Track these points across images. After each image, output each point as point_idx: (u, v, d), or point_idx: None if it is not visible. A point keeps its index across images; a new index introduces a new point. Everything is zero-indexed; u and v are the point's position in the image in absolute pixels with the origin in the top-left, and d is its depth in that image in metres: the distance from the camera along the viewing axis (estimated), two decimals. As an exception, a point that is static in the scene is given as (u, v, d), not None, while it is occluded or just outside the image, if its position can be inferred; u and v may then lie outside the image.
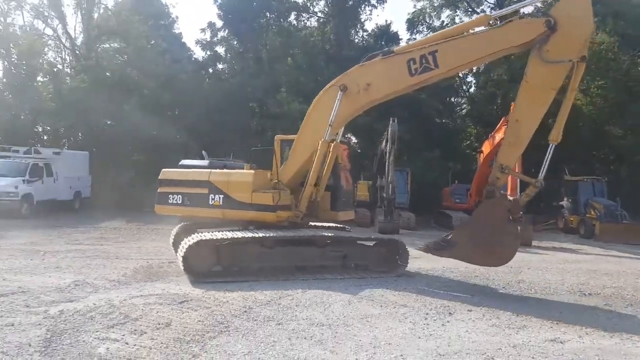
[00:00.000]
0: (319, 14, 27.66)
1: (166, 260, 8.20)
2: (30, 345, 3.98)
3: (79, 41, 24.40)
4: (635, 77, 21.01)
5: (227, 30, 25.58)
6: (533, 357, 4.31)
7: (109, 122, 21.04)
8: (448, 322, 5.26)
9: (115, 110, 19.39)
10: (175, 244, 8.02)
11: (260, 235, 6.97)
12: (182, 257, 6.65)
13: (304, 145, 7.69)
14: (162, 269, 7.52)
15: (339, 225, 8.43)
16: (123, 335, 4.34)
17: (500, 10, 7.28)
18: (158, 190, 8.25)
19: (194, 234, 7.15)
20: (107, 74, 20.80)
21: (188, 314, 5.09)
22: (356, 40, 26.28)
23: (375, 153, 17.61)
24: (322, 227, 8.24)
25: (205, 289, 6.16)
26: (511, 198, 7.01)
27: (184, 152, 16.79)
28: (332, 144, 7.62)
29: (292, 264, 7.39)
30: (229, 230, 7.25)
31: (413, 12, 27.33)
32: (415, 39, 24.84)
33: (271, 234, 7.02)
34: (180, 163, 8.79)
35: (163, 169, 8.49)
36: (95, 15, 24.18)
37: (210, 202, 7.60)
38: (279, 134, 8.79)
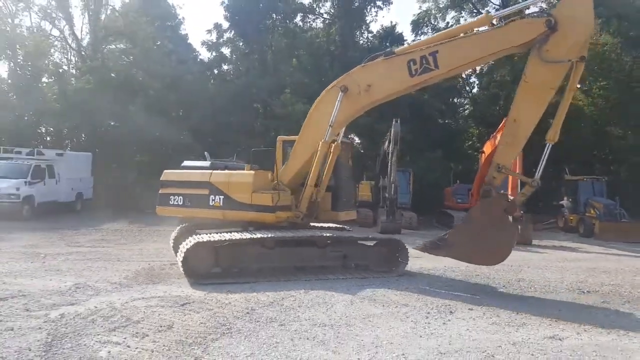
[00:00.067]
0: (325, 16, 27.82)
1: (168, 262, 8.23)
2: (30, 350, 3.97)
3: (85, 42, 24.59)
4: (637, 77, 21.04)
5: (233, 32, 25.72)
6: (532, 354, 4.34)
7: (113, 123, 21.12)
8: (449, 320, 5.29)
9: (119, 111, 19.46)
10: (176, 246, 8.04)
11: (259, 236, 6.98)
12: (181, 259, 6.67)
13: (304, 145, 7.72)
14: (164, 271, 7.54)
15: (338, 226, 8.44)
16: (125, 338, 4.35)
17: (502, 10, 7.28)
18: (159, 192, 8.27)
19: (193, 235, 7.16)
20: (113, 74, 20.89)
21: (190, 316, 5.11)
22: (361, 42, 26.41)
23: (378, 153, 17.63)
24: (322, 227, 8.24)
25: (207, 290, 6.18)
26: (511, 197, 7.01)
27: (188, 153, 16.81)
28: (333, 145, 7.65)
29: (291, 264, 7.40)
30: (227, 232, 7.26)
31: (418, 14, 27.41)
32: (420, 40, 24.88)
33: (269, 235, 7.02)
34: (182, 164, 8.80)
35: (165, 170, 8.52)
36: (103, 17, 24.35)
37: (211, 203, 7.62)
38: (283, 135, 8.80)
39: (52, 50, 23.59)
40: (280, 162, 8.24)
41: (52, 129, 22.54)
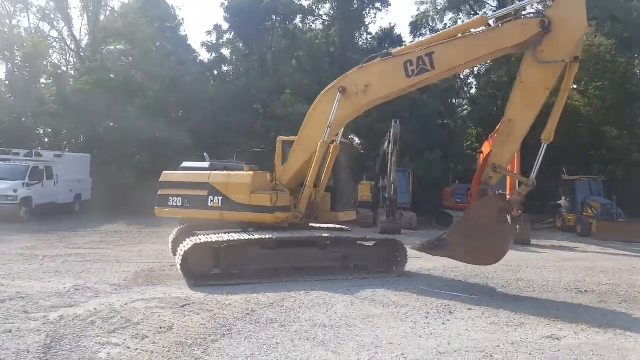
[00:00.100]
0: (324, 17, 27.89)
1: (167, 263, 8.22)
2: (29, 352, 3.97)
3: (84, 43, 24.53)
4: (632, 78, 21.20)
5: (232, 33, 25.72)
6: (530, 354, 4.36)
7: (112, 124, 21.07)
8: (448, 320, 5.32)
9: (118, 112, 19.42)
10: (174, 247, 8.03)
11: (257, 237, 6.97)
12: (180, 261, 6.67)
13: (303, 146, 7.74)
14: (164, 272, 7.54)
15: (337, 226, 8.44)
16: (124, 339, 4.36)
17: (498, 12, 7.33)
18: (158, 193, 8.27)
19: (191, 237, 7.15)
20: (112, 75, 20.86)
21: (190, 317, 5.11)
22: (360, 43, 26.47)
23: (378, 154, 17.68)
24: (320, 228, 8.23)
25: (207, 292, 6.18)
26: (509, 197, 7.03)
27: (187, 154, 16.82)
28: (332, 145, 7.66)
29: (290, 265, 7.39)
30: (224, 233, 7.24)
31: (416, 15, 27.51)
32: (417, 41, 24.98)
33: (267, 236, 7.01)
34: (181, 165, 8.79)
35: (164, 172, 8.51)
36: (102, 18, 24.31)
37: (210, 204, 7.62)
38: (283, 136, 8.80)
39: (51, 51, 23.57)
40: (280, 162, 8.25)
41: (50, 130, 22.48)
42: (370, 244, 7.95)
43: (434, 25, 27.39)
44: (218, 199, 7.57)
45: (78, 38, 24.40)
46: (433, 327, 5.05)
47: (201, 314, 5.24)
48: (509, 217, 6.44)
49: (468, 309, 5.80)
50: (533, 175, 6.45)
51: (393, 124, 14.03)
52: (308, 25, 28.03)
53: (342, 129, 8.23)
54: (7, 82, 21.60)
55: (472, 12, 27.00)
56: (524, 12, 6.97)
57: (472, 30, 6.74)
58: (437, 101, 23.74)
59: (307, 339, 4.55)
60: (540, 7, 6.97)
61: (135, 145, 20.39)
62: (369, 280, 7.24)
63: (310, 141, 7.59)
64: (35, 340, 4.25)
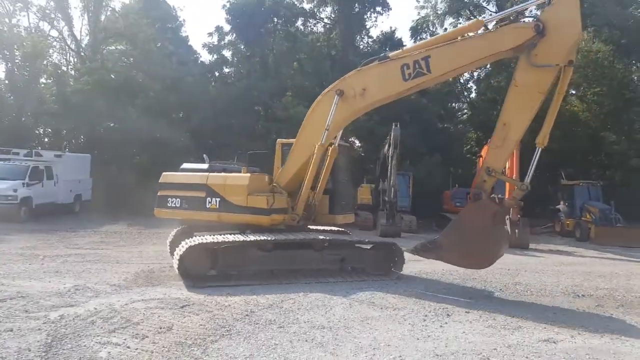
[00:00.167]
0: (326, 20, 28.07)
1: (167, 264, 8.24)
2: (30, 350, 4.00)
3: (84, 43, 24.56)
4: (630, 84, 21.34)
5: (234, 35, 25.84)
6: (527, 357, 4.40)
7: (112, 125, 21.10)
8: (446, 323, 5.35)
9: (119, 112, 19.44)
10: (172, 248, 8.05)
11: (252, 238, 6.99)
12: (177, 262, 6.70)
13: (301, 148, 7.77)
14: (164, 273, 7.56)
15: (339, 229, 8.46)
16: (124, 339, 4.39)
17: (493, 15, 7.37)
18: (158, 194, 8.30)
19: (187, 238, 7.17)
20: (112, 76, 20.89)
21: (190, 318, 5.15)
22: (361, 46, 26.66)
23: (378, 157, 17.76)
24: (317, 230, 8.22)
25: (206, 293, 6.21)
26: (507, 201, 7.04)
27: (188, 155, 16.86)
28: (331, 148, 7.69)
29: (287, 267, 7.40)
30: (220, 234, 7.26)
31: (417, 20, 27.72)
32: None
33: (262, 237, 7.02)
34: (181, 166, 8.83)
35: (163, 173, 8.55)
36: (102, 18, 24.35)
37: (207, 206, 7.65)
38: (284, 138, 8.85)
39: (51, 51, 23.57)
40: (279, 165, 8.29)
41: (50, 130, 22.51)
42: (368, 246, 7.98)
43: (434, 29, 27.61)
44: (216, 201, 7.60)
45: (78, 38, 24.50)
46: (431, 330, 5.08)
47: (200, 314, 5.27)
48: (504, 221, 6.44)
49: (466, 312, 5.83)
50: (527, 179, 6.45)
51: (393, 127, 14.10)
52: (309, 28, 28.25)
53: (341, 132, 8.26)
54: (6, 82, 21.61)
55: (472, 17, 27.12)
56: (523, 19, 7.00)
57: (468, 34, 6.75)
58: (438, 105, 23.87)
59: (306, 340, 4.58)
60: (537, 12, 6.98)
61: (135, 145, 20.42)
62: (368, 282, 7.27)
63: (308, 143, 7.61)
64: (36, 339, 4.29)
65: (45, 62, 22.13)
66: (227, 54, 26.79)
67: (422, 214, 18.39)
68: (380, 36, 27.27)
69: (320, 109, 7.61)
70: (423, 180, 19.67)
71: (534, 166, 6.36)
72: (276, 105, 22.00)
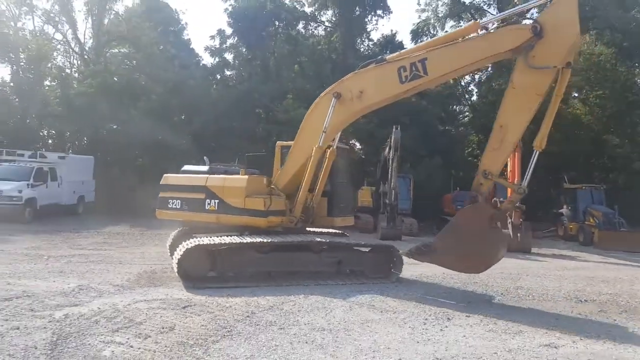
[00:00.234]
0: (327, 24, 28.19)
1: (169, 265, 8.28)
2: (36, 348, 4.08)
3: (88, 46, 24.81)
4: (632, 87, 21.29)
5: (236, 38, 26.00)
6: (528, 362, 4.40)
7: (115, 127, 21.27)
8: (446, 327, 5.36)
9: (122, 114, 19.61)
10: (172, 250, 8.08)
11: (248, 240, 7.02)
12: (176, 263, 6.75)
13: (299, 151, 7.79)
14: (166, 274, 7.61)
15: (338, 231, 8.47)
16: (128, 338, 4.44)
17: (491, 17, 7.36)
18: (159, 195, 8.37)
19: (186, 240, 7.21)
20: (115, 78, 21.07)
21: (191, 318, 5.19)
22: (362, 49, 26.74)
23: (379, 160, 17.77)
24: (315, 232, 8.21)
25: (208, 294, 6.25)
26: (504, 204, 6.95)
27: (189, 157, 16.96)
28: (329, 150, 7.71)
29: (285, 269, 7.41)
30: (217, 236, 7.28)
31: (417, 23, 27.72)
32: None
33: (258, 240, 7.04)
34: (182, 168, 8.91)
35: (165, 174, 8.62)
36: (106, 21, 24.58)
37: (207, 207, 7.70)
38: (285, 140, 8.90)
39: (55, 53, 23.82)
40: (279, 167, 8.32)
41: (54, 132, 22.71)
42: (366, 249, 7.98)
43: (435, 32, 27.59)
44: (214, 202, 7.66)
45: (82, 41, 24.70)
46: (431, 333, 5.10)
47: (202, 315, 5.32)
48: (506, 224, 6.41)
49: (466, 316, 5.83)
50: (525, 182, 6.42)
51: (394, 130, 14.13)
52: (310, 31, 28.37)
53: (339, 134, 8.27)
54: (12, 84, 21.83)
55: (473, 20, 27.19)
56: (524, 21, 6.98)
57: (465, 37, 6.73)
58: (438, 107, 23.85)
59: (306, 342, 4.61)
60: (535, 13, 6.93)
61: (138, 148, 20.56)
62: (368, 285, 7.29)
63: (306, 146, 7.63)
64: (42, 337, 4.36)
65: (49, 65, 22.40)
66: (229, 57, 26.98)
67: (423, 217, 18.38)
68: (381, 39, 27.36)
69: (318, 112, 7.63)
70: (424, 183, 19.67)
71: (531, 169, 6.32)
72: (277, 108, 22.11)
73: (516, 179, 12.00)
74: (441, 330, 5.24)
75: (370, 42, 27.50)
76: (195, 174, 8.36)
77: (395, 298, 6.56)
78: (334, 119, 7.38)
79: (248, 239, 7.07)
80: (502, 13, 7.12)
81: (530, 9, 7.17)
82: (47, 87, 22.24)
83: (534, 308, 6.62)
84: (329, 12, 27.78)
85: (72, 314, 5.05)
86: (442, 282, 8.03)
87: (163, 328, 4.79)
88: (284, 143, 8.66)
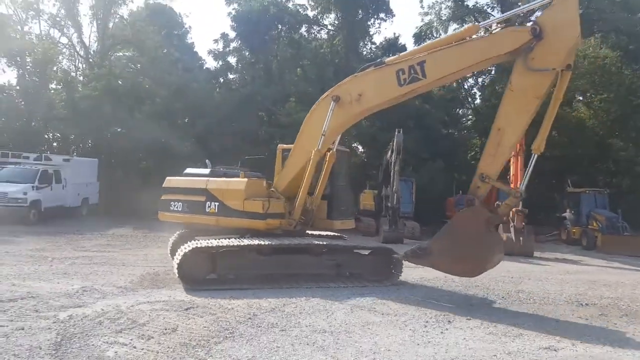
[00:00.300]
0: (329, 27, 28.31)
1: (172, 267, 8.34)
2: (40, 349, 4.14)
3: (93, 50, 25.05)
4: (637, 91, 21.21)
5: (239, 41, 26.18)
6: (527, 364, 4.42)
7: (119, 130, 21.45)
8: (447, 330, 5.38)
9: (126, 118, 19.78)
10: (173, 252, 8.13)
11: (246, 242, 7.05)
12: (176, 266, 6.80)
13: (299, 153, 7.81)
14: (169, 276, 7.67)
15: (336, 234, 8.48)
16: (131, 339, 4.50)
17: (490, 20, 7.34)
18: (161, 198, 8.44)
19: (185, 243, 7.25)
20: (120, 82, 21.27)
21: (194, 320, 5.24)
22: (364, 53, 26.80)
23: (381, 163, 17.81)
24: (313, 235, 8.23)
25: (210, 296, 6.30)
26: (501, 208, 6.89)
27: (192, 160, 17.08)
28: (328, 153, 7.74)
29: (284, 272, 7.43)
30: (216, 239, 7.31)
31: (420, 26, 27.78)
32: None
33: (256, 242, 7.07)
34: (185, 171, 8.99)
35: (167, 177, 8.70)
36: (111, 25, 24.84)
37: (207, 210, 7.76)
38: (287, 143, 8.96)
39: (60, 57, 24.12)
40: (279, 170, 8.38)
41: (59, 134, 22.92)
42: (366, 252, 8.00)
43: (438, 36, 27.64)
44: (215, 205, 7.71)
45: (87, 45, 24.99)
46: (431, 336, 5.12)
47: (204, 316, 5.36)
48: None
49: (467, 319, 5.85)
50: (522, 186, 6.38)
51: (396, 133, 14.17)
52: (313, 35, 28.49)
53: (339, 137, 8.29)
54: (18, 87, 22.07)
55: (477, 23, 27.22)
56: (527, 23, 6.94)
57: (462, 39, 6.67)
58: (441, 111, 23.88)
59: (307, 344, 4.65)
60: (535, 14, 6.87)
61: (141, 150, 20.71)
62: (369, 288, 7.31)
63: (306, 149, 7.64)
64: (46, 337, 4.42)
65: (55, 69, 22.66)
66: (232, 60, 27.16)
67: (425, 221, 18.36)
68: (384, 42, 27.46)
69: (317, 115, 7.65)
70: (426, 187, 19.68)
71: (529, 173, 6.28)
72: (279, 111, 22.26)
73: (519, 183, 11.99)
74: (442, 332, 5.26)
75: (373, 46, 27.60)
76: (197, 176, 8.43)
77: (396, 301, 6.59)
78: (333, 122, 7.39)
79: (246, 241, 7.12)
80: (502, 15, 7.11)
81: (535, 12, 7.16)
82: (52, 91, 22.50)
83: (534, 312, 6.62)
84: (332, 16, 27.89)
85: (76, 315, 5.11)
86: (443, 286, 8.04)
87: (166, 329, 4.84)
88: (286, 146, 8.70)
